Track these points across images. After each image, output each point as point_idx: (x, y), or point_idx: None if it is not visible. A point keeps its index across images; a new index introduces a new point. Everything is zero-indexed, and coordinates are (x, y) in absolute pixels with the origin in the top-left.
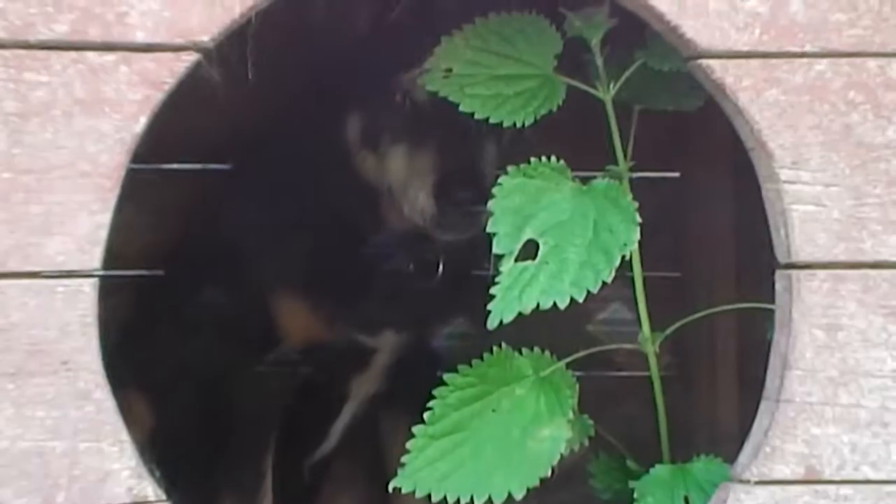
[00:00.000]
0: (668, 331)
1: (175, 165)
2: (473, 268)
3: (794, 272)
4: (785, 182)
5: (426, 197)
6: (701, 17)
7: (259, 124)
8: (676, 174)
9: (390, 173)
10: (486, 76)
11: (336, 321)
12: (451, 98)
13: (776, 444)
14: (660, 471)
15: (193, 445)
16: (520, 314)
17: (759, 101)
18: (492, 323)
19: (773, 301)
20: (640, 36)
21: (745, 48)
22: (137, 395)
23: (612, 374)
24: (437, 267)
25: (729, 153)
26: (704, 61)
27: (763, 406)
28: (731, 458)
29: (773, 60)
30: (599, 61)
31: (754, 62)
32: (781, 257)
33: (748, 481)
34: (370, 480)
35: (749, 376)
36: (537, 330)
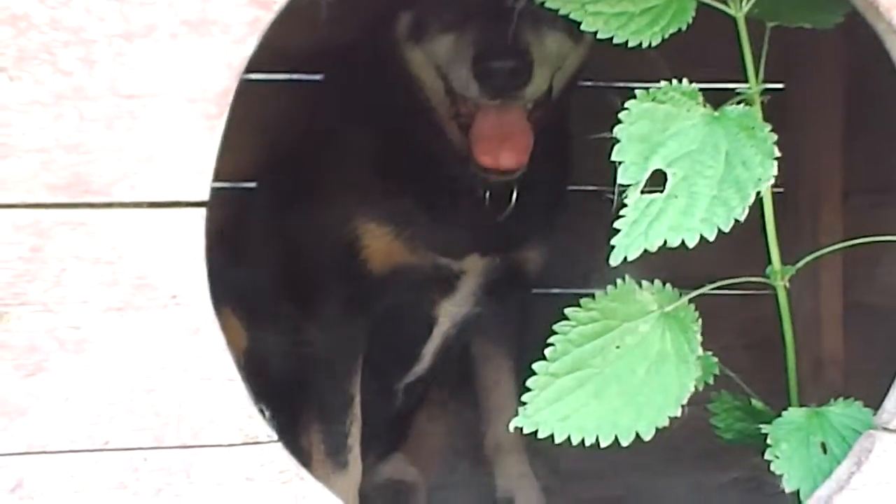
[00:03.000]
0: (800, 264)
1: (264, 76)
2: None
3: None
4: None
5: (467, 71)
6: None
7: (348, 38)
8: (780, 86)
9: (436, 57)
10: None
11: (419, 245)
12: (572, 16)
13: None
14: (793, 414)
15: (283, 367)
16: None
17: None
18: (615, 259)
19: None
20: None
21: None
22: (231, 313)
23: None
24: (511, 196)
25: (837, 67)
26: None
27: None
28: (835, 386)
29: None
30: None
31: None
32: None
33: None
34: (463, 403)
35: (853, 300)
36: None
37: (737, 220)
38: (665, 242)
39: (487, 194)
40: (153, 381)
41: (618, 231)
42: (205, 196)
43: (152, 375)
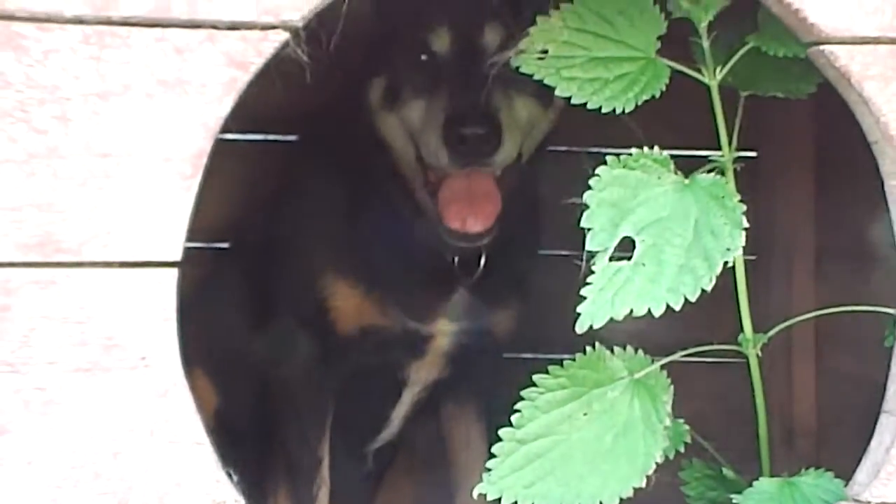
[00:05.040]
0: (772, 333)
1: (239, 136)
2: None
3: None
4: None
5: (437, 138)
6: None
7: (324, 100)
8: (753, 154)
9: (408, 123)
10: (583, 58)
11: (389, 307)
12: (547, 81)
13: None
14: (765, 484)
15: (252, 428)
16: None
17: (888, 91)
18: (581, 326)
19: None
20: (742, 16)
21: (875, 33)
22: (201, 374)
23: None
24: (479, 261)
25: (809, 133)
26: (828, 47)
27: (884, 420)
28: (808, 454)
29: None
30: (706, 44)
31: (884, 49)
32: None
33: (868, 503)
34: (433, 467)
35: (827, 366)
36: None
37: (703, 290)
38: (631, 311)
39: (456, 259)
40: (119, 444)
41: (584, 298)
42: (177, 256)
43: (119, 438)
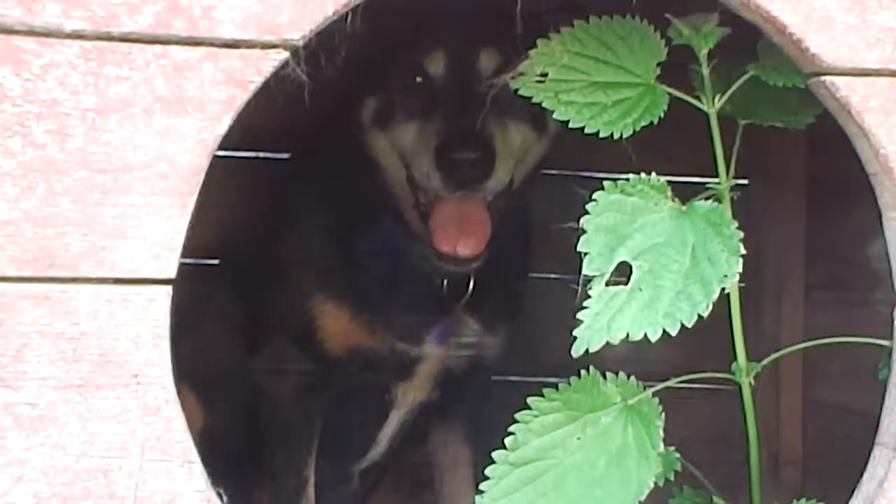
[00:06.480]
0: (765, 362)
1: (232, 153)
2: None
3: None
4: None
5: (429, 161)
6: (827, 30)
7: (316, 119)
8: (745, 182)
9: (400, 145)
10: (583, 83)
11: (377, 329)
12: (545, 104)
13: (893, 497)
14: None
15: (239, 446)
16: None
17: (888, 123)
18: (577, 350)
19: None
20: (742, 44)
21: (875, 65)
22: (188, 390)
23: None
24: (468, 284)
25: (801, 163)
26: (829, 78)
27: (877, 453)
28: (793, 483)
29: None
30: (706, 72)
31: (884, 81)
32: None
33: None
34: (419, 488)
35: (813, 396)
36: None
37: (699, 316)
38: (627, 335)
39: (445, 282)
40: (111, 462)
41: (580, 322)
42: (172, 273)
43: (110, 456)
